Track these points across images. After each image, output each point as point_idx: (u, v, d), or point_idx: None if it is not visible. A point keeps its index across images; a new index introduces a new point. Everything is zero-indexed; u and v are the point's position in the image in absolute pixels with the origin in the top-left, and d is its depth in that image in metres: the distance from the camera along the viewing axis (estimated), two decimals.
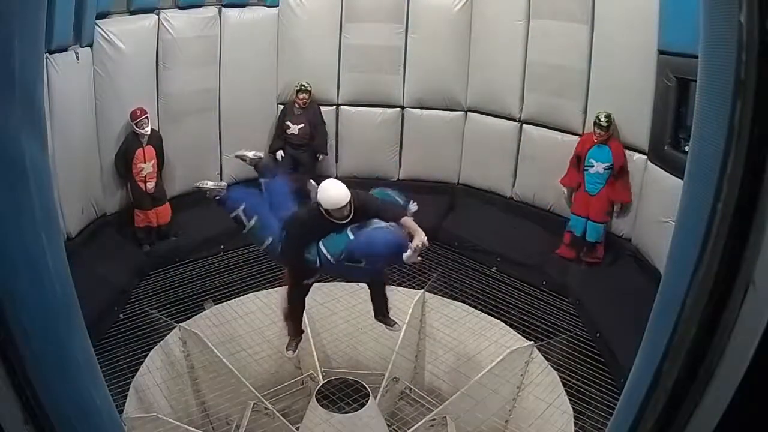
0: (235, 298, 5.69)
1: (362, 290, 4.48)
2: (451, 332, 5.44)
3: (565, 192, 6.19)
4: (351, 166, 7.39)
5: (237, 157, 5.97)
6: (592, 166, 5.76)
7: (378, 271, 4.10)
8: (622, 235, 5.88)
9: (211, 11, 6.62)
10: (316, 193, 3.74)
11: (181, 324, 5.19)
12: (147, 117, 5.93)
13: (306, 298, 4.46)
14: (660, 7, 5.10)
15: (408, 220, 3.66)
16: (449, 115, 7.23)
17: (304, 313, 4.66)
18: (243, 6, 6.86)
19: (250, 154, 6.26)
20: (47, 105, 4.77)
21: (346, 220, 3.70)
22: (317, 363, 5.30)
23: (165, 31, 6.28)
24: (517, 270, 6.14)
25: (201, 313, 5.50)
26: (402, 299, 5.35)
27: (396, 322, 4.51)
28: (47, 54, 4.88)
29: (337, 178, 4.53)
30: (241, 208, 3.97)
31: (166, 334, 5.11)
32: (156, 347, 4.96)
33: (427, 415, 4.67)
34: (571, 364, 4.91)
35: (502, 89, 6.75)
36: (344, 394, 4.56)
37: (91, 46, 5.67)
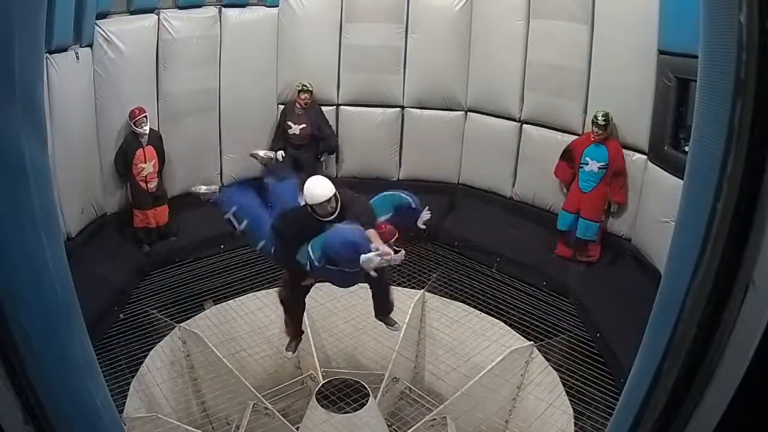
0: (235, 298, 5.69)
1: (362, 290, 4.47)
2: (451, 332, 5.44)
3: (563, 188, 6.18)
4: (351, 166, 7.39)
5: (251, 155, 5.99)
6: (587, 164, 5.76)
7: (356, 275, 3.78)
8: (621, 235, 5.88)
9: (211, 11, 6.62)
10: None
11: (181, 324, 5.19)
12: (145, 116, 5.93)
13: (306, 299, 4.45)
14: (660, 7, 5.10)
15: (372, 233, 3.50)
16: (449, 115, 7.23)
17: (304, 313, 4.66)
18: (243, 6, 6.85)
19: (262, 153, 6.29)
20: (47, 105, 4.77)
21: (331, 218, 3.67)
22: (317, 363, 5.30)
23: (165, 31, 6.28)
24: (517, 270, 6.14)
25: (201, 313, 5.50)
26: (402, 299, 5.35)
27: (396, 322, 4.51)
28: (47, 54, 4.88)
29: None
30: (232, 210, 3.96)
31: (166, 334, 5.11)
32: (156, 347, 4.96)
33: (427, 415, 4.67)
34: (571, 364, 4.91)
35: (502, 89, 6.75)
36: (344, 394, 4.56)
37: (91, 46, 5.67)
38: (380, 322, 4.52)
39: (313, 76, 7.01)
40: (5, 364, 1.02)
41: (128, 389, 4.48)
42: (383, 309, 4.40)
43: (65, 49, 5.23)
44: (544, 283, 5.92)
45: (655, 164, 5.36)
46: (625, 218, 5.82)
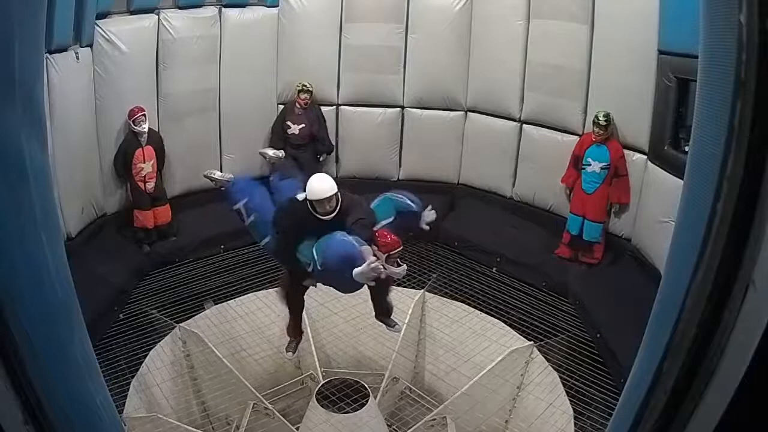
0: (235, 298, 5.69)
1: (362, 290, 4.46)
2: (451, 332, 5.44)
3: (567, 191, 6.19)
4: (351, 166, 7.39)
5: (261, 154, 5.99)
6: (589, 165, 5.76)
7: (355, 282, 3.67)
8: (622, 235, 5.88)
9: (211, 11, 6.62)
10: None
11: (181, 324, 5.19)
12: (144, 115, 5.94)
13: (305, 298, 4.45)
14: (660, 7, 5.10)
15: (367, 249, 3.42)
16: (449, 115, 7.23)
17: (304, 313, 4.66)
18: (243, 6, 6.86)
19: (271, 152, 6.30)
20: (47, 105, 4.77)
21: (329, 217, 3.66)
22: (317, 363, 5.30)
23: (165, 31, 6.28)
24: (517, 270, 6.14)
25: (201, 313, 5.50)
26: (402, 299, 5.35)
27: (396, 323, 4.50)
28: (47, 54, 4.88)
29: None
30: (243, 203, 3.97)
31: (166, 334, 5.11)
32: (156, 347, 4.96)
33: (427, 415, 4.67)
34: (571, 364, 4.91)
35: (502, 89, 6.75)
36: (344, 394, 4.55)
37: (91, 46, 5.68)
38: (380, 323, 4.52)
39: (313, 76, 7.01)
40: (5, 364, 1.02)
41: (128, 389, 4.48)
42: (382, 310, 4.40)
43: (65, 49, 5.23)
44: (544, 283, 5.92)
45: (655, 164, 5.36)
46: (625, 218, 5.82)
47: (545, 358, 4.97)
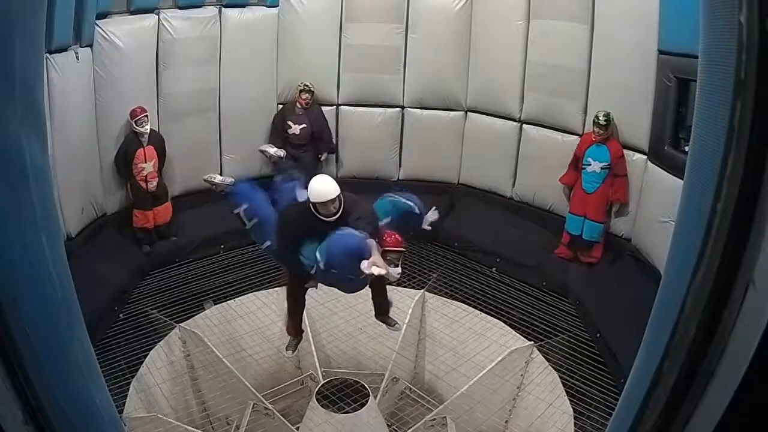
0: (235, 298, 5.69)
1: (362, 290, 4.47)
2: (451, 332, 5.44)
3: (566, 190, 6.19)
4: (351, 166, 7.39)
5: (261, 151, 5.97)
6: (590, 165, 5.76)
7: (360, 281, 3.74)
8: (621, 235, 5.88)
9: (211, 11, 6.62)
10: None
11: (181, 324, 5.19)
12: (146, 115, 5.94)
13: (306, 298, 4.45)
14: (660, 7, 5.10)
15: (373, 244, 3.45)
16: (449, 115, 7.23)
17: (305, 313, 4.66)
18: (243, 6, 6.85)
19: (272, 150, 6.28)
20: (47, 105, 4.77)
21: (333, 218, 3.66)
22: (317, 363, 5.30)
23: (165, 31, 6.27)
24: (517, 270, 6.13)
25: (201, 313, 5.50)
26: (402, 299, 5.35)
27: (396, 322, 4.50)
28: (47, 54, 4.88)
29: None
30: (243, 207, 3.97)
31: (166, 334, 5.11)
32: (156, 347, 4.96)
33: (427, 415, 4.67)
34: (571, 364, 4.91)
35: (502, 89, 6.75)
36: (344, 394, 4.56)
37: (91, 46, 5.67)
38: (380, 323, 4.52)
39: (313, 76, 7.00)
40: (5, 364, 1.02)
41: (128, 389, 4.48)
42: (381, 308, 4.40)
43: (65, 49, 5.22)
44: (544, 283, 5.92)
45: (655, 164, 5.36)
46: (625, 218, 5.82)
47: (545, 358, 4.97)
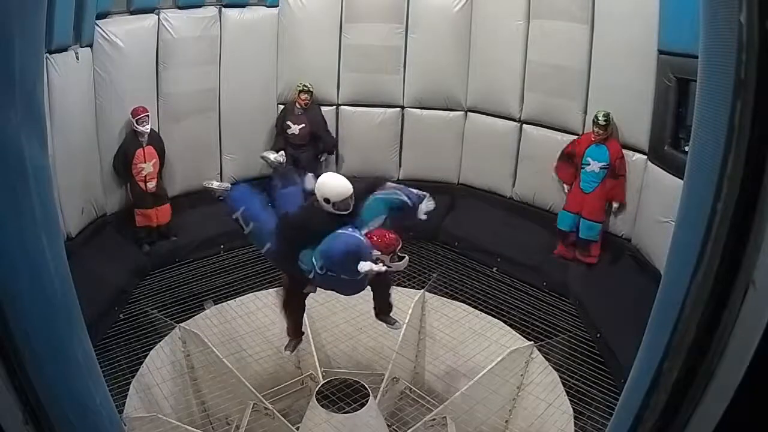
0: (235, 298, 5.69)
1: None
2: (451, 332, 5.44)
3: (563, 186, 6.14)
4: (351, 166, 7.38)
5: (262, 158, 5.97)
6: (589, 165, 5.76)
7: (359, 283, 3.75)
8: (621, 235, 5.87)
9: (211, 11, 6.61)
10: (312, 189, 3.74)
11: (181, 324, 5.19)
12: (148, 115, 5.94)
13: (306, 302, 4.44)
14: (660, 7, 5.10)
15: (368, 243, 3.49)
16: (449, 115, 7.23)
17: (305, 314, 4.65)
18: (243, 6, 6.85)
19: (272, 156, 6.31)
20: (47, 105, 4.77)
21: (348, 210, 3.67)
22: (317, 363, 5.30)
23: (165, 31, 6.27)
24: (517, 270, 6.13)
25: (201, 313, 5.50)
26: (402, 299, 5.35)
27: (397, 321, 4.50)
28: (47, 54, 4.88)
29: None
30: (240, 212, 3.96)
31: (166, 334, 5.11)
32: (156, 347, 4.96)
33: (427, 415, 4.67)
34: (571, 364, 4.91)
35: (502, 89, 6.75)
36: (344, 394, 4.55)
37: (91, 46, 5.67)
38: (380, 322, 4.52)
39: (313, 76, 7.00)
40: (5, 364, 1.03)
41: (128, 389, 4.48)
42: (383, 308, 4.40)
43: (65, 49, 5.22)
44: (544, 283, 5.92)
45: (655, 164, 5.36)
46: (625, 218, 5.82)
47: (545, 358, 4.97)
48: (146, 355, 4.84)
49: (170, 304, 5.51)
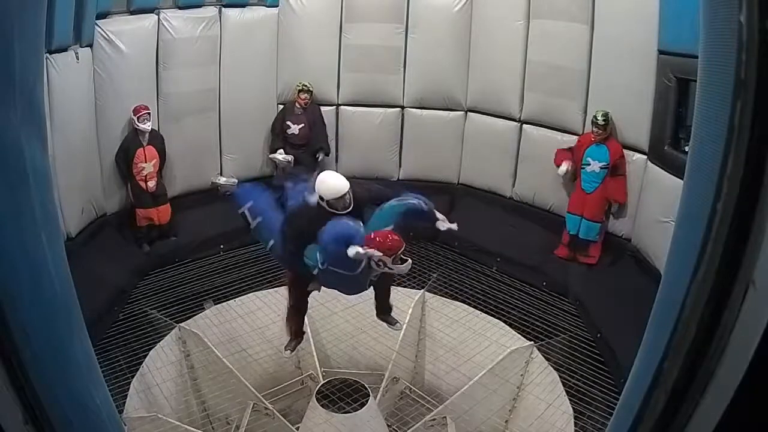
0: (235, 298, 5.69)
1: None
2: (451, 332, 5.44)
3: (561, 173, 5.99)
4: (351, 166, 7.37)
5: (271, 158, 5.96)
6: (589, 165, 5.77)
7: (360, 281, 3.74)
8: (622, 235, 5.88)
9: (211, 11, 6.61)
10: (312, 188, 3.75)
11: (181, 324, 5.19)
12: (149, 113, 5.95)
13: (308, 300, 4.44)
14: (660, 7, 5.10)
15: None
16: (449, 115, 7.23)
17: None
18: (243, 6, 6.85)
19: (281, 157, 6.29)
20: (47, 105, 4.77)
21: (347, 210, 3.67)
22: (317, 363, 5.30)
23: (165, 31, 6.27)
24: (517, 270, 6.14)
25: (201, 313, 5.50)
26: (402, 299, 5.35)
27: (397, 321, 4.50)
28: (47, 54, 4.88)
29: None
30: (247, 206, 3.97)
31: (166, 334, 5.11)
32: (156, 347, 4.96)
33: (427, 415, 4.67)
34: (571, 364, 4.91)
35: (502, 89, 6.75)
36: (344, 394, 4.56)
37: (91, 46, 5.67)
38: (380, 322, 4.52)
39: (313, 76, 7.00)
40: (5, 364, 1.02)
41: (128, 389, 4.48)
42: (383, 308, 4.40)
43: (65, 49, 5.22)
44: (544, 283, 5.92)
45: (655, 164, 5.36)
46: (625, 218, 5.82)
47: (545, 358, 4.97)
48: (146, 355, 4.84)
49: (170, 304, 5.51)
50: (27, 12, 1.04)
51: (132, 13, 6.08)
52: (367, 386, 4.62)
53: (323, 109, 7.16)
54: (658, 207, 5.15)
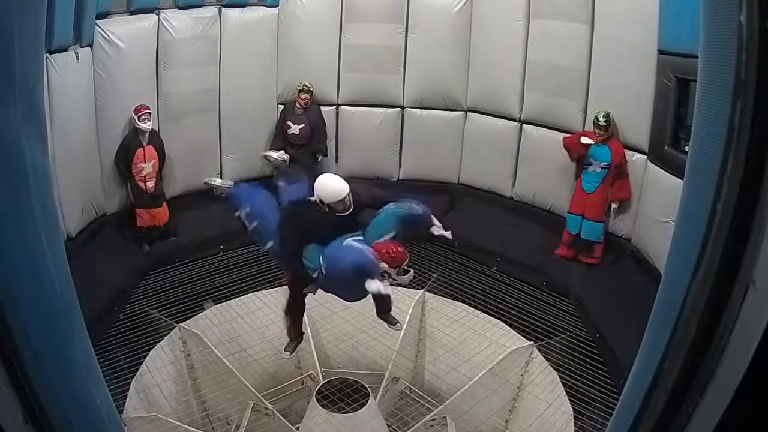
0: (235, 298, 5.69)
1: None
2: (451, 332, 5.44)
3: (585, 142, 5.78)
4: (351, 166, 7.38)
5: (264, 157, 5.94)
6: (591, 165, 5.77)
7: (362, 290, 3.70)
8: (622, 235, 5.88)
9: (211, 11, 6.62)
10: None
11: (181, 324, 5.19)
12: (149, 112, 5.95)
13: (306, 302, 4.45)
14: (660, 7, 5.10)
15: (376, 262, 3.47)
16: (449, 115, 7.23)
17: (305, 314, 4.65)
18: (243, 6, 6.85)
19: (275, 155, 6.28)
20: (47, 105, 4.77)
21: (347, 213, 3.67)
22: (317, 363, 5.30)
23: (165, 31, 6.27)
24: (517, 270, 6.13)
25: (201, 313, 5.50)
26: (402, 299, 5.35)
27: (398, 321, 4.50)
28: (47, 54, 4.88)
29: None
30: (244, 210, 3.96)
31: (166, 334, 5.11)
32: (156, 347, 4.96)
33: (427, 415, 4.67)
34: (571, 364, 4.91)
35: (502, 89, 6.75)
36: (344, 394, 4.56)
37: (91, 46, 5.67)
38: (380, 322, 4.51)
39: (313, 76, 7.01)
40: (5, 364, 1.02)
41: (128, 389, 4.48)
42: (384, 308, 4.40)
43: (65, 49, 5.22)
44: (544, 283, 5.92)
45: (655, 164, 5.36)
46: (625, 218, 5.82)
47: (545, 358, 4.97)
48: (146, 355, 4.85)
49: (170, 304, 5.51)
50: (27, 12, 1.04)
51: (132, 13, 6.08)
52: (367, 386, 4.62)
53: (323, 109, 7.16)
54: (658, 207, 5.15)
